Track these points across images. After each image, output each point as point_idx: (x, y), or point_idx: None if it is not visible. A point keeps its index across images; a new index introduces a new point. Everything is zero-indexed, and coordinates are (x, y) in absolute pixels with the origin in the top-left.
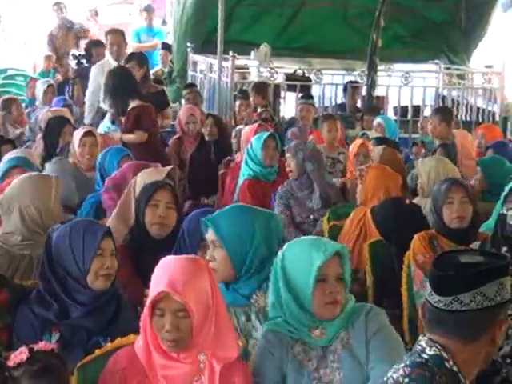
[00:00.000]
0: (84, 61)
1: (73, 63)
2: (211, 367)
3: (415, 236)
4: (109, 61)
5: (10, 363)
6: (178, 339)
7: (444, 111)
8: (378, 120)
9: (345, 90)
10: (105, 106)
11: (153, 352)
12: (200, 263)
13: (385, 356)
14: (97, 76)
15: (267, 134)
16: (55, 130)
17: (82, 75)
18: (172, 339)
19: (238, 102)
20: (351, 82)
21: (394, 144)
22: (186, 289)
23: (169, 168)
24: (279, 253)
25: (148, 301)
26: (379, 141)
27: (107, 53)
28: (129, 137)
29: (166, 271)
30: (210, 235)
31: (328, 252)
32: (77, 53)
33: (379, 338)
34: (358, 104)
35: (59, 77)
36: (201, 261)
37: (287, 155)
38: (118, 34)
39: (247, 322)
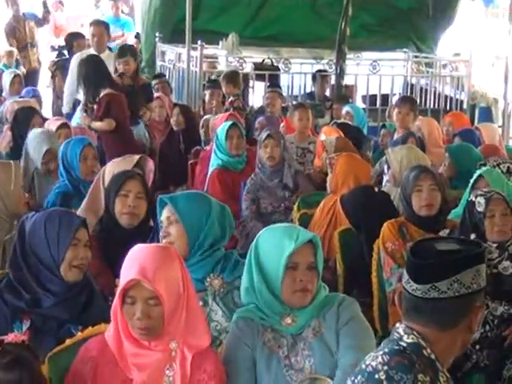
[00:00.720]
0: (65, 52)
1: (53, 55)
2: (183, 355)
3: (385, 224)
4: (90, 52)
5: None
6: (149, 327)
7: (411, 101)
8: (346, 108)
9: (313, 78)
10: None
11: (124, 340)
12: (170, 251)
13: (355, 344)
14: (75, 67)
15: (229, 123)
16: (24, 121)
17: (63, 67)
18: (143, 327)
19: (207, 92)
20: (320, 70)
21: (356, 130)
22: (156, 276)
23: (137, 157)
24: (255, 239)
25: (119, 289)
26: (342, 127)
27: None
28: (97, 124)
29: (136, 259)
30: (166, 212)
31: (299, 240)
32: (56, 45)
33: (350, 327)
34: (327, 93)
35: (23, 69)
36: (171, 249)
37: (269, 142)
38: (100, 26)
39: (205, 306)
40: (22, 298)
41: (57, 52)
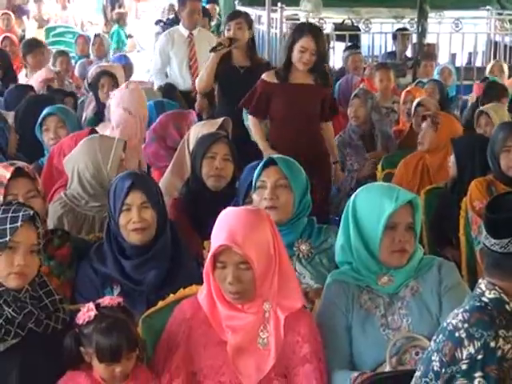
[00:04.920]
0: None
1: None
2: (276, 316)
3: (472, 182)
4: (179, 29)
5: (79, 321)
6: (240, 291)
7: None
8: (445, 66)
9: (394, 37)
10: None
11: (217, 303)
12: (261, 213)
13: None
14: (164, 44)
15: None
16: (94, 84)
17: None
18: (235, 291)
19: None
20: (401, 29)
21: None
22: (246, 241)
23: (221, 119)
24: (351, 197)
25: (209, 254)
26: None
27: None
28: None
29: (226, 224)
30: (274, 174)
31: (400, 200)
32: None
33: (454, 293)
34: (408, 52)
35: None
36: (261, 211)
37: (355, 101)
38: (197, 2)
39: None
40: (109, 264)
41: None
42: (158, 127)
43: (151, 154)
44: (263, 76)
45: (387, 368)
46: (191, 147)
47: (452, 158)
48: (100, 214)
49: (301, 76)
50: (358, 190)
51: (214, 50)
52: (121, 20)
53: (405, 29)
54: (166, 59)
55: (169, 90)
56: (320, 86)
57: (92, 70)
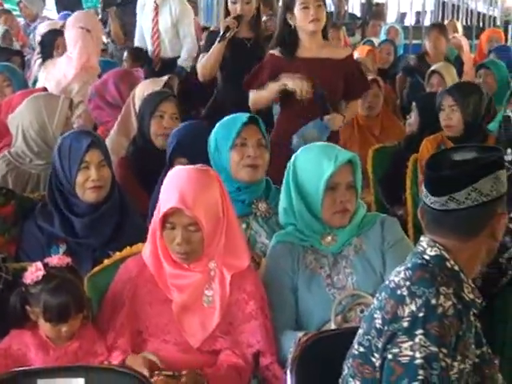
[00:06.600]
0: None
1: None
2: (222, 275)
3: (424, 140)
4: None
5: (27, 280)
6: (189, 252)
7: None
8: (392, 25)
9: None
10: None
11: (163, 262)
12: (210, 174)
13: None
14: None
15: None
16: (49, 43)
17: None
18: (183, 252)
19: None
20: None
21: None
22: (196, 203)
23: (166, 78)
24: (291, 159)
25: (159, 214)
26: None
27: None
28: None
29: (176, 185)
30: (255, 134)
31: (339, 161)
32: None
33: (397, 249)
34: (357, 11)
35: None
36: (210, 171)
37: None
38: None
39: (248, 229)
40: (55, 222)
41: None
42: (98, 83)
43: (93, 108)
44: (271, 50)
45: (332, 326)
46: (137, 106)
47: (413, 116)
48: (45, 173)
49: (313, 47)
50: (297, 152)
51: (222, 37)
52: None
53: None
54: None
55: (135, 52)
56: (342, 58)
57: (42, 28)
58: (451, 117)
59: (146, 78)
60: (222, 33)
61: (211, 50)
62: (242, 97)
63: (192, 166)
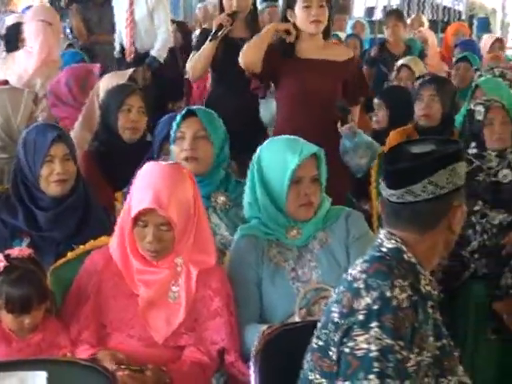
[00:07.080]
0: None
1: None
2: (188, 271)
3: (391, 133)
4: None
5: None
6: (159, 250)
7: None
8: (357, 20)
9: None
10: None
11: (130, 257)
12: (182, 172)
13: None
14: None
15: None
16: (13, 37)
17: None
18: (154, 250)
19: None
20: None
21: None
22: (170, 204)
23: (131, 70)
24: (256, 153)
25: (131, 213)
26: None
27: None
28: None
29: (150, 183)
30: (193, 126)
31: (303, 154)
32: None
33: (361, 243)
34: None
35: None
36: (183, 169)
37: None
38: None
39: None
40: (18, 215)
41: None
42: (53, 82)
43: (50, 105)
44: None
45: (296, 319)
46: (102, 99)
47: (380, 113)
48: (9, 166)
49: (313, 47)
50: (262, 145)
51: (214, 36)
52: None
53: None
54: None
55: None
56: (343, 60)
57: (8, 21)
58: (431, 106)
59: (119, 69)
60: (214, 31)
61: (201, 49)
62: (234, 99)
63: (165, 163)
